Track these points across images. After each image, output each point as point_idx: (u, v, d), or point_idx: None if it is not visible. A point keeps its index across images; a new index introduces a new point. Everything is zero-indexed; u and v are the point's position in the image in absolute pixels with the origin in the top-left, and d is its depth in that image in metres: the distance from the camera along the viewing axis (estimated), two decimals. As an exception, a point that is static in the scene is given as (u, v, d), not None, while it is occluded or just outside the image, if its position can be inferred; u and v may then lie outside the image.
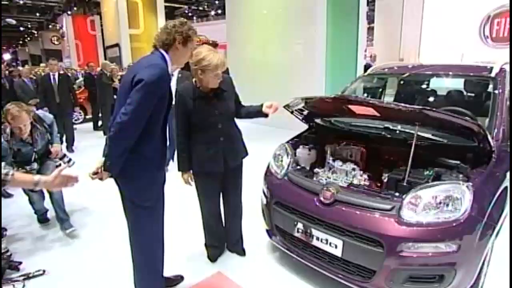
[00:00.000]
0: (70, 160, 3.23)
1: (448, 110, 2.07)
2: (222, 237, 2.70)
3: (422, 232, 1.80)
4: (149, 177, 1.84)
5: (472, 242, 1.81)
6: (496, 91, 2.49)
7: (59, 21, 21.50)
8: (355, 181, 2.24)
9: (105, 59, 14.09)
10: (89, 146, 6.57)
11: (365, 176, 2.29)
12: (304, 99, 2.35)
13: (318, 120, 2.85)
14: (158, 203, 1.91)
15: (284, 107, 2.60)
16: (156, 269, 2.01)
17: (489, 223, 1.89)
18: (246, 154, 2.51)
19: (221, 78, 2.22)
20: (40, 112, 3.33)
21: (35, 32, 26.92)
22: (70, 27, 19.38)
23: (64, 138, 6.13)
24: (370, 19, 14.38)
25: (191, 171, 2.36)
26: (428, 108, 1.84)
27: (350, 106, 2.20)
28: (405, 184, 2.02)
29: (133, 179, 1.80)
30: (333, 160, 2.41)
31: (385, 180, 2.14)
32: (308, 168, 2.51)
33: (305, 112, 2.70)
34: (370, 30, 14.44)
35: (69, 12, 19.34)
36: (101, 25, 17.60)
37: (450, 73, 3.02)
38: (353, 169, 2.30)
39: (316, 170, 2.42)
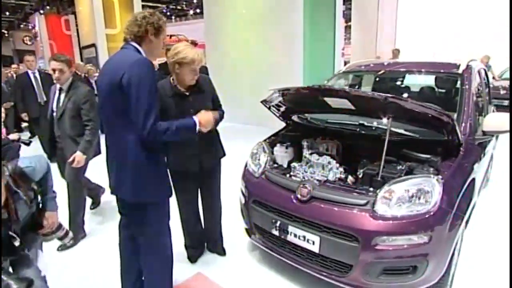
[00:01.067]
0: (67, 233, 1.91)
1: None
2: (201, 238, 2.69)
3: (396, 225, 1.84)
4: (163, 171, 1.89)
5: (442, 233, 1.87)
6: (463, 87, 2.58)
7: (32, 21, 20.78)
8: (331, 175, 2.27)
9: (81, 59, 13.71)
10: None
11: (341, 169, 2.32)
12: (281, 91, 2.37)
13: (295, 118, 2.87)
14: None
15: (261, 102, 2.61)
16: (170, 266, 2.00)
17: (458, 214, 1.95)
18: (224, 154, 2.50)
19: (197, 75, 2.21)
20: (26, 163, 1.63)
21: (6, 32, 25.95)
22: (43, 27, 18.75)
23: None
24: (347, 17, 14.61)
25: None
26: (400, 97, 1.89)
27: (326, 99, 2.23)
28: (379, 179, 2.06)
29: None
30: (310, 154, 2.43)
31: (360, 176, 2.18)
32: (285, 166, 2.53)
33: (282, 109, 2.72)
34: (348, 28, 14.66)
35: (41, 11, 18.72)
36: (76, 25, 17.13)
37: (423, 70, 3.11)
38: (329, 163, 2.33)
39: (293, 164, 2.45)
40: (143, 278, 2.01)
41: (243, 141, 2.75)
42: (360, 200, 1.95)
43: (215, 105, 2.39)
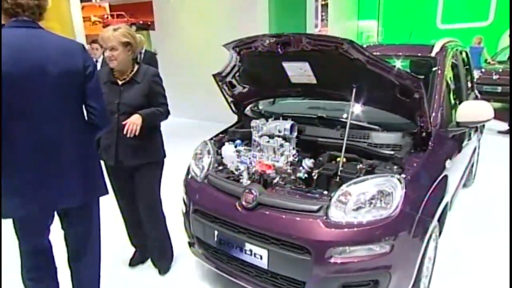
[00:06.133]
0: None
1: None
2: (141, 242, 2.75)
3: (352, 233, 1.81)
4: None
5: (406, 241, 1.86)
6: (435, 72, 2.60)
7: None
8: (283, 159, 2.24)
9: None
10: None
11: (294, 151, 2.30)
12: (236, 45, 2.35)
13: (248, 111, 2.83)
14: None
15: (213, 76, 2.63)
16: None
17: (424, 218, 1.95)
18: (157, 157, 2.47)
19: (114, 58, 2.25)
20: None
21: None
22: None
23: None
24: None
25: None
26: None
27: (285, 65, 2.29)
28: (337, 180, 2.04)
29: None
30: (259, 137, 2.41)
31: (315, 177, 2.15)
32: (233, 168, 2.47)
33: (236, 91, 2.72)
34: (325, 7, 14.79)
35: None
36: None
37: (399, 53, 3.13)
38: (282, 145, 2.29)
39: (238, 148, 2.43)
40: None
41: (196, 140, 2.73)
42: (312, 205, 1.91)
43: (153, 102, 2.36)
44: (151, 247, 2.68)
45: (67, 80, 1.70)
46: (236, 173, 2.33)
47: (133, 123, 2.20)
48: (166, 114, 2.41)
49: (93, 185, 1.89)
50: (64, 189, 1.76)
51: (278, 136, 2.34)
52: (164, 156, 2.52)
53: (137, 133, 2.20)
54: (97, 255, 2.09)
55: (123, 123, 2.21)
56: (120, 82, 2.32)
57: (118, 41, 2.20)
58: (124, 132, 2.19)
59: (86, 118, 1.84)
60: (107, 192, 1.99)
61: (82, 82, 1.74)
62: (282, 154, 2.27)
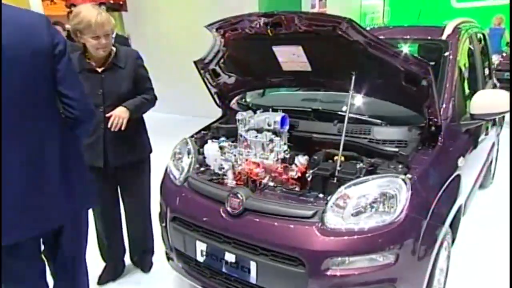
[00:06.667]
0: None
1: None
2: (114, 255, 2.79)
3: (351, 242, 1.82)
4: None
5: (413, 250, 1.87)
6: (446, 58, 2.62)
7: None
8: (272, 157, 2.25)
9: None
10: None
11: (286, 147, 2.31)
12: (220, 24, 2.34)
13: (234, 105, 2.85)
14: None
15: (194, 62, 2.64)
16: None
17: (434, 223, 1.97)
18: (146, 152, 2.59)
19: (106, 45, 2.27)
20: None
21: None
22: None
23: None
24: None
25: None
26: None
27: (275, 50, 2.30)
28: (334, 181, 2.05)
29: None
30: (246, 131, 2.42)
31: (309, 178, 2.17)
32: (217, 169, 2.47)
33: (221, 80, 2.74)
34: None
35: None
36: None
37: (406, 37, 3.15)
38: (271, 140, 2.30)
39: (222, 144, 2.44)
40: None
41: (174, 138, 2.77)
42: (306, 210, 1.92)
43: (140, 88, 2.44)
44: (137, 245, 2.86)
45: (32, 65, 1.53)
46: (220, 172, 2.33)
47: (119, 116, 2.23)
48: (154, 100, 2.50)
49: (81, 196, 1.81)
50: (46, 208, 1.66)
51: (268, 130, 2.35)
52: (151, 150, 2.62)
53: (123, 128, 2.23)
54: (86, 274, 2.10)
55: (107, 115, 2.23)
56: (99, 70, 2.32)
57: (110, 26, 2.24)
58: (109, 125, 2.21)
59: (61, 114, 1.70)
60: (96, 204, 1.99)
61: (51, 66, 1.59)
62: (272, 151, 2.28)
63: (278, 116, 2.34)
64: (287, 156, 2.26)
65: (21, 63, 1.49)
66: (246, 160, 2.26)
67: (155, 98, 2.51)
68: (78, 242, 1.95)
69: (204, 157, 2.51)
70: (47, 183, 1.64)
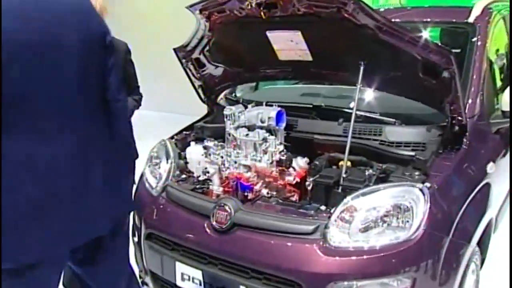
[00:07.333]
0: None
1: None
2: None
3: (359, 263, 1.83)
4: None
5: (432, 273, 1.87)
6: (474, 44, 2.62)
7: None
8: (266, 159, 2.25)
9: None
10: None
11: (282, 147, 2.31)
12: (204, 4, 2.34)
13: (221, 100, 2.86)
14: None
15: (174, 50, 2.64)
16: None
17: (459, 241, 1.98)
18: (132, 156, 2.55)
19: None
20: None
21: None
22: None
23: None
24: None
25: None
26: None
27: (270, 35, 2.29)
28: (339, 191, 2.07)
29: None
30: (235, 129, 2.42)
31: (310, 187, 2.18)
32: (200, 173, 2.48)
33: (206, 71, 2.75)
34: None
35: None
36: None
37: (425, 20, 3.17)
38: (265, 140, 2.30)
39: (206, 144, 2.43)
40: None
41: (153, 139, 2.78)
42: (305, 225, 1.92)
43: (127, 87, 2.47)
44: None
45: (88, 56, 1.55)
46: (204, 177, 2.34)
47: None
48: (140, 101, 2.58)
49: (126, 198, 1.87)
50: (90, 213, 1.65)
51: (261, 128, 2.36)
52: (137, 156, 2.64)
53: None
54: None
55: None
56: None
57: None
58: None
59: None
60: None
61: (102, 58, 1.62)
62: (265, 152, 2.28)
63: (273, 111, 2.34)
64: (284, 158, 2.26)
65: (81, 51, 1.52)
66: (235, 162, 2.27)
67: (142, 96, 2.55)
68: (127, 249, 1.98)
69: (186, 162, 2.53)
70: (94, 181, 1.65)
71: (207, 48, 2.62)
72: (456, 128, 2.17)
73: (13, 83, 1.34)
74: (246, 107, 2.49)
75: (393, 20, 2.97)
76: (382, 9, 3.63)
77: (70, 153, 1.56)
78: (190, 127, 2.84)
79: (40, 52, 1.39)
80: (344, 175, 2.07)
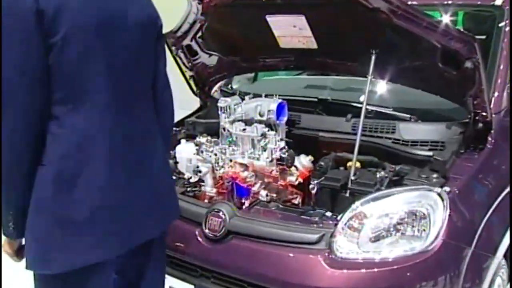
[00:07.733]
0: None
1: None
2: None
3: (370, 277, 1.83)
4: None
5: (452, 288, 1.87)
6: (500, 30, 2.61)
7: None
8: (265, 156, 2.26)
9: None
10: None
11: (283, 144, 2.32)
12: None
13: (215, 92, 2.86)
14: None
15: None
16: None
17: (481, 253, 1.96)
18: None
19: None
20: None
21: None
22: None
23: None
24: None
25: None
26: None
27: (269, 19, 2.29)
28: (347, 195, 2.07)
29: None
30: (231, 123, 2.42)
31: (314, 191, 2.18)
32: (191, 172, 2.47)
33: (199, 60, 2.77)
34: None
35: None
36: None
37: (446, 2, 3.16)
38: (264, 135, 2.31)
39: (198, 140, 2.44)
40: None
41: None
42: (309, 234, 1.92)
43: None
44: None
45: (144, 39, 1.63)
46: (195, 178, 2.34)
47: None
48: None
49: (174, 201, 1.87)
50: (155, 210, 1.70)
51: (260, 122, 2.37)
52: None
53: None
54: None
55: None
56: None
57: None
58: None
59: None
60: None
61: (153, 43, 1.69)
62: (264, 149, 2.28)
63: (273, 103, 2.36)
64: (285, 155, 2.26)
65: (140, 35, 1.60)
66: (230, 161, 2.28)
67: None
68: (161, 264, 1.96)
69: (176, 162, 2.53)
70: (152, 178, 1.69)
71: (200, 34, 2.63)
72: (480, 125, 2.16)
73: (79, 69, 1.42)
74: (243, 99, 2.49)
75: (409, 2, 2.98)
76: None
77: (134, 136, 1.61)
78: (180, 123, 2.85)
79: (102, 30, 1.46)
80: (352, 178, 2.07)
